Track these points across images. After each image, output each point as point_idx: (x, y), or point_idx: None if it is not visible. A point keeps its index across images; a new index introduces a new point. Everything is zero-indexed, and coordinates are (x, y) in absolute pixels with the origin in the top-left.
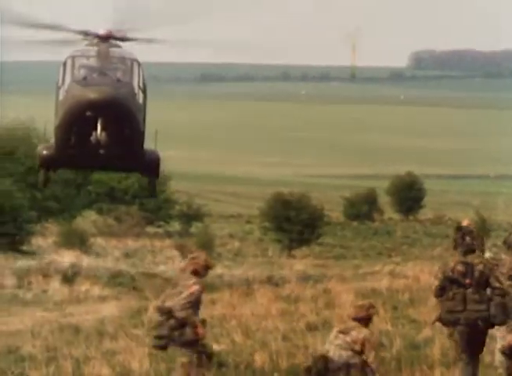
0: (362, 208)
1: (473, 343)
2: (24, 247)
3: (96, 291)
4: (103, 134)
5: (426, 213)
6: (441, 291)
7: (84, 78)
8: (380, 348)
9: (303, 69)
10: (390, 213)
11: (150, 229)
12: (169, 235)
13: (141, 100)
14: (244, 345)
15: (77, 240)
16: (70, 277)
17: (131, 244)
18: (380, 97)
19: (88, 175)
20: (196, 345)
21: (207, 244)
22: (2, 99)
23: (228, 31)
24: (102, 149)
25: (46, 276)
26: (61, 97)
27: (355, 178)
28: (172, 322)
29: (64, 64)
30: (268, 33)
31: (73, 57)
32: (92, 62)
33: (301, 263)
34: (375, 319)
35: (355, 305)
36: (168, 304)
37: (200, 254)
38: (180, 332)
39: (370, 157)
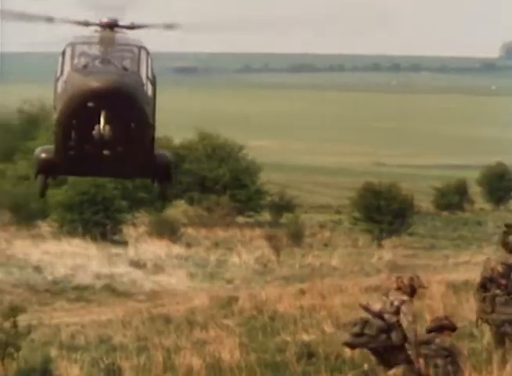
0: (452, 198)
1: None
2: (115, 237)
3: (186, 280)
4: (107, 128)
5: None
6: (481, 288)
7: (85, 66)
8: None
9: (393, 59)
10: (481, 203)
11: (240, 219)
12: (259, 225)
13: (150, 92)
14: (334, 335)
15: (167, 230)
16: (159, 267)
17: (221, 233)
18: (471, 87)
19: (178, 165)
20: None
21: (297, 234)
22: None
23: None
24: (107, 148)
25: (137, 266)
26: (59, 89)
27: (446, 169)
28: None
29: (63, 53)
30: (360, 22)
31: (72, 45)
32: (95, 49)
33: (390, 253)
34: (467, 309)
35: (432, 319)
36: (377, 307)
37: (413, 275)
38: (387, 336)
39: (461, 147)
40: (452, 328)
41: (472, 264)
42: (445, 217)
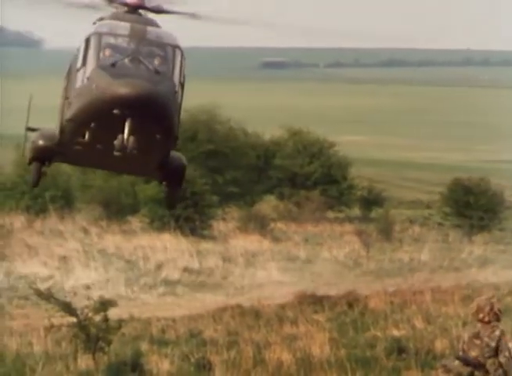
0: None
1: None
2: (205, 232)
3: (276, 275)
4: (131, 139)
5: None
6: None
7: (113, 65)
8: None
9: (485, 54)
10: None
11: (330, 215)
12: (349, 220)
13: (179, 99)
14: (425, 330)
15: (257, 225)
16: (249, 262)
17: (310, 228)
18: None
19: (268, 161)
20: None
21: (386, 229)
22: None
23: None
24: (120, 152)
25: (227, 260)
26: (79, 83)
27: None
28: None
29: (87, 42)
30: (451, 17)
31: (99, 34)
32: (122, 41)
33: (481, 248)
34: None
35: None
36: (474, 354)
37: (484, 301)
38: None
39: None
40: None
41: None
42: None
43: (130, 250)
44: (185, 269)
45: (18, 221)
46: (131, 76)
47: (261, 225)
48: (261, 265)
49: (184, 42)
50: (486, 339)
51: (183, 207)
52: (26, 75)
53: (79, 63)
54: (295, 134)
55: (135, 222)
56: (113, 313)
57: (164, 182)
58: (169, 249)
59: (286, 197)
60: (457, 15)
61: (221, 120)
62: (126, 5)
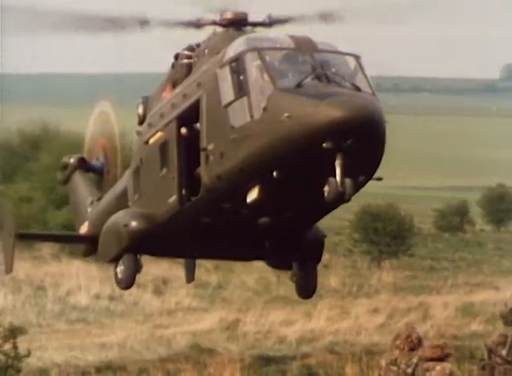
0: (453, 220)
1: None
2: None
3: (187, 302)
4: (349, 182)
5: None
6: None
7: (300, 86)
8: None
9: (394, 80)
10: (481, 224)
11: None
12: None
13: None
14: (334, 358)
15: None
16: (159, 288)
17: None
18: (472, 109)
19: None
20: None
21: None
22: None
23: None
24: (268, 215)
25: (138, 287)
26: (242, 120)
27: (447, 190)
28: None
29: (236, 65)
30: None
31: (258, 50)
32: (286, 57)
33: (390, 274)
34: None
35: (429, 346)
36: None
37: (405, 329)
38: None
39: (462, 168)
40: (448, 356)
41: (472, 285)
42: (445, 238)
43: (40, 276)
44: (95, 296)
45: None
46: (339, 94)
47: None
48: (172, 292)
49: None
50: (403, 366)
51: None
52: None
53: (228, 96)
54: None
55: (45, 248)
56: (23, 340)
57: (294, 263)
58: (79, 275)
59: None
60: (367, 39)
61: None
62: (222, 24)
